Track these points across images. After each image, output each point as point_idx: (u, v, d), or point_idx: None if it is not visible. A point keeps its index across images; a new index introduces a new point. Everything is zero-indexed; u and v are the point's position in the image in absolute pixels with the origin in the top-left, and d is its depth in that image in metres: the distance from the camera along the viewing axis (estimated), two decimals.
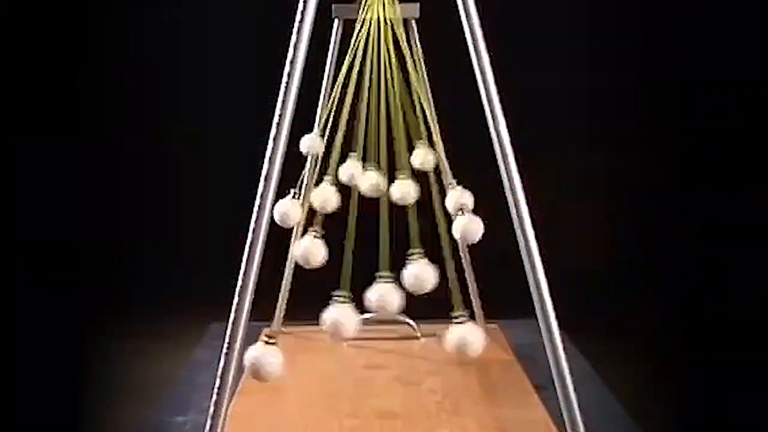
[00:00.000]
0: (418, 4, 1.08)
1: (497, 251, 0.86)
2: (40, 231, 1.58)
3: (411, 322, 1.21)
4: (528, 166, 0.79)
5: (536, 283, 0.77)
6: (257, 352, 0.75)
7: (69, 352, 1.33)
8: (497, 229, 0.85)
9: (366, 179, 0.93)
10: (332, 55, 1.13)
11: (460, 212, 0.86)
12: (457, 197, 0.93)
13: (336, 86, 0.92)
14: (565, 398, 0.77)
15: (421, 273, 0.75)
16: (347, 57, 0.92)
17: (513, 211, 0.77)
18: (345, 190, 0.94)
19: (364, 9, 0.93)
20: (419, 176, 0.95)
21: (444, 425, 0.94)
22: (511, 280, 0.81)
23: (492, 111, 0.78)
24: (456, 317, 0.75)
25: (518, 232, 0.77)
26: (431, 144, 0.97)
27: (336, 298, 0.75)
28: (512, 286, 0.81)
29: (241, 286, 0.76)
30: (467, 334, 0.75)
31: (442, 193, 0.96)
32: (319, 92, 1.14)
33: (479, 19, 0.78)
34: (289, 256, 1.19)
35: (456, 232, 0.85)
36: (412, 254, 0.76)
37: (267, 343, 0.75)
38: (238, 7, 1.59)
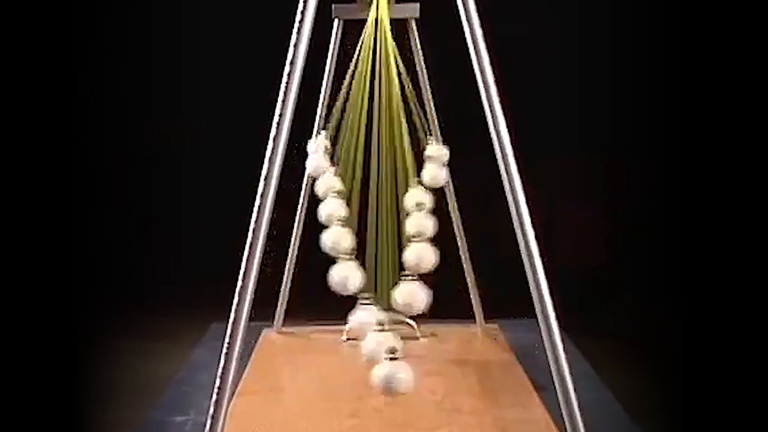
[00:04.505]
0: (418, 4, 1.08)
1: (497, 251, 0.86)
2: (40, 231, 1.58)
3: (411, 322, 1.21)
4: (528, 166, 0.79)
5: (536, 283, 0.77)
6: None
7: (69, 352, 1.33)
8: (497, 230, 0.85)
9: None
10: (332, 55, 1.13)
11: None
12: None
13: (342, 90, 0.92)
14: (565, 398, 0.77)
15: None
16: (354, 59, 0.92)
17: (513, 211, 0.77)
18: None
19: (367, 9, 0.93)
20: None
21: (444, 425, 0.94)
22: (511, 280, 0.81)
23: (492, 111, 0.78)
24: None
25: (518, 232, 0.77)
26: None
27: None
28: (512, 286, 0.81)
29: (241, 286, 0.76)
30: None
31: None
32: (319, 92, 1.14)
33: (479, 19, 0.78)
34: (289, 256, 1.20)
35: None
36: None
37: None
38: (238, 7, 1.59)
